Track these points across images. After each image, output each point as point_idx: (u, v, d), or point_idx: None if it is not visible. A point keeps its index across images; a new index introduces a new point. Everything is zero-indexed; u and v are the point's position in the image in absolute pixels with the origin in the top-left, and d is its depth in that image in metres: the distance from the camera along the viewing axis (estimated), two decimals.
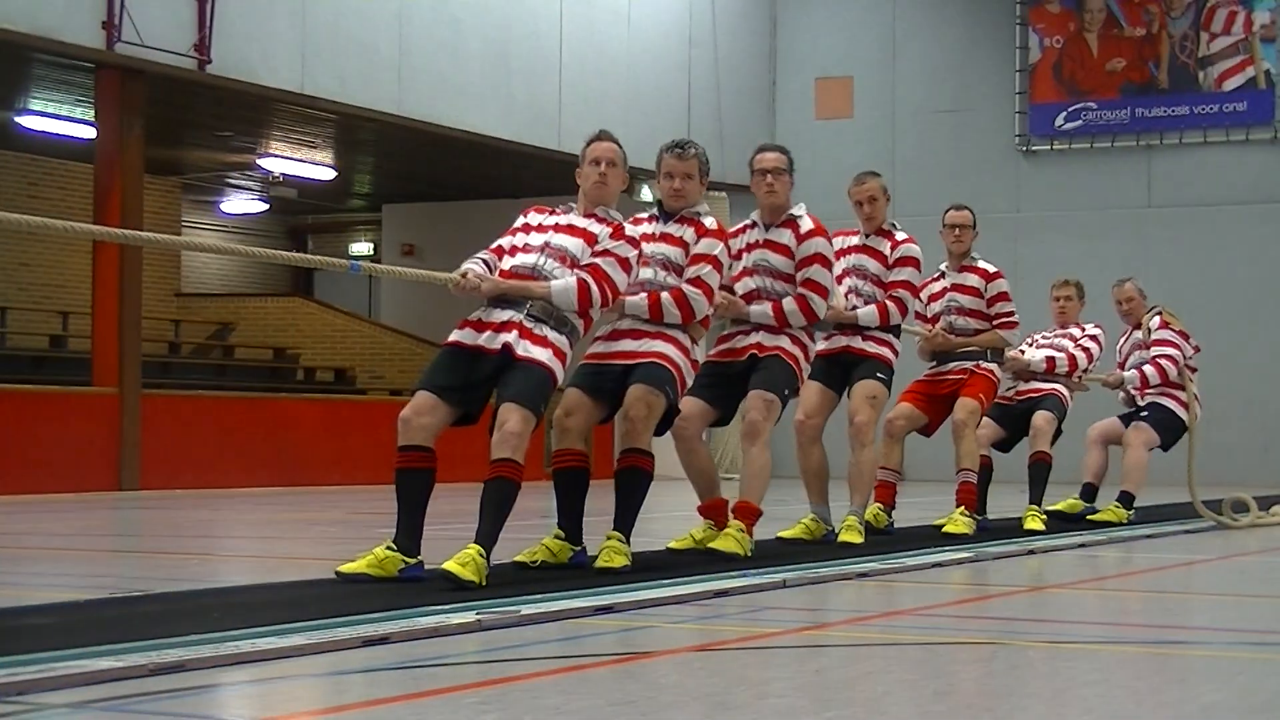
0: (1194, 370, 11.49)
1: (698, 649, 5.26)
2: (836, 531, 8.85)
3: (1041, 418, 10.66)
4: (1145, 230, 21.92)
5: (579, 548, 7.14)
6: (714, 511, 8.07)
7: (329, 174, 22.99)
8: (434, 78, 18.72)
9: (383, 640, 5.08)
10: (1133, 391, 11.39)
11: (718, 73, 22.96)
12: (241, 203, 27.12)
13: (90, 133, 17.11)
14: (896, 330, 9.26)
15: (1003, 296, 10.29)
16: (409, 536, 6.48)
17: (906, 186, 23.13)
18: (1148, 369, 11.27)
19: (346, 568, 6.40)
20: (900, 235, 9.56)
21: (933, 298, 10.45)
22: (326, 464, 18.18)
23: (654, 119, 21.93)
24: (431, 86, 18.69)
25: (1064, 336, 11.16)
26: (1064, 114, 22.45)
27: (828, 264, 8.50)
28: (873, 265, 9.43)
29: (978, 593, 7.40)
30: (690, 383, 7.54)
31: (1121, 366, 11.62)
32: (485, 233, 28.35)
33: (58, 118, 18.92)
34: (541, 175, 22.26)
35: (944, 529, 9.62)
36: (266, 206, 27.23)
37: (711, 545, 7.67)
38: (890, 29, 23.31)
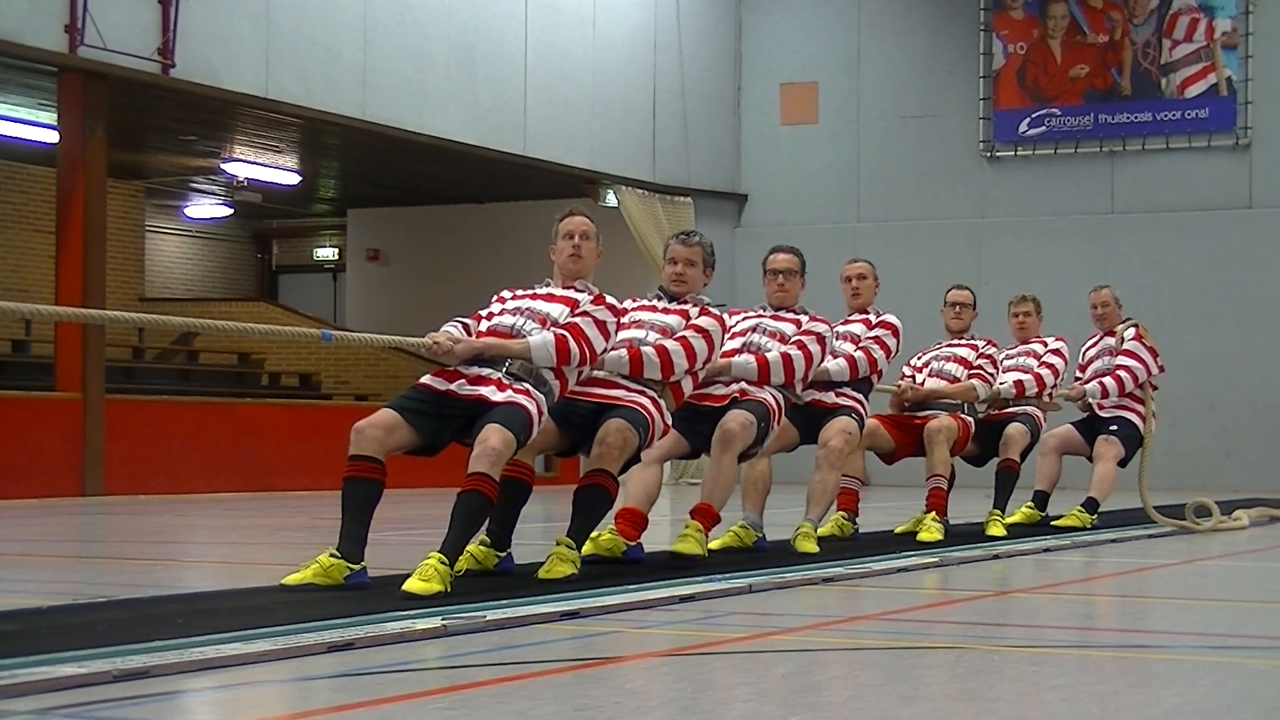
0: (1155, 389, 11.58)
1: (663, 654, 5.27)
2: (765, 537, 8.87)
3: (1015, 428, 10.73)
4: (1108, 236, 22.02)
5: (505, 553, 7.11)
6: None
7: (293, 178, 22.92)
8: (398, 82, 18.69)
9: (348, 646, 5.07)
10: (1093, 403, 11.44)
11: (682, 78, 22.98)
12: (206, 207, 27.03)
13: (53, 136, 17.02)
14: (866, 390, 9.29)
15: (990, 359, 10.58)
16: (352, 542, 6.40)
17: (871, 192, 23.22)
18: (1107, 380, 11.34)
19: (292, 579, 6.31)
20: (884, 313, 9.68)
21: (923, 352, 10.77)
22: (291, 469, 18.12)
23: (619, 124, 21.96)
24: (396, 91, 18.66)
25: (1027, 354, 11.20)
26: (1028, 120, 22.53)
27: (824, 344, 8.60)
28: (856, 329, 9.56)
29: (943, 597, 7.42)
30: (656, 441, 7.51)
31: (1083, 369, 11.67)
32: (450, 237, 28.29)
33: (20, 121, 18.82)
34: (506, 179, 22.28)
35: (918, 536, 9.64)
36: (231, 211, 27.15)
37: (673, 548, 7.67)
38: (855, 35, 23.37)
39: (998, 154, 22.65)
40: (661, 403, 7.43)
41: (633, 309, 7.85)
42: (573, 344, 6.87)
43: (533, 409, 6.66)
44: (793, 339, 8.48)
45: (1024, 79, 22.56)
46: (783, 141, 23.57)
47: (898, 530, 10.32)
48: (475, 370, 6.77)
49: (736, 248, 23.49)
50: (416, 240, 25.48)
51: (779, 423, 8.31)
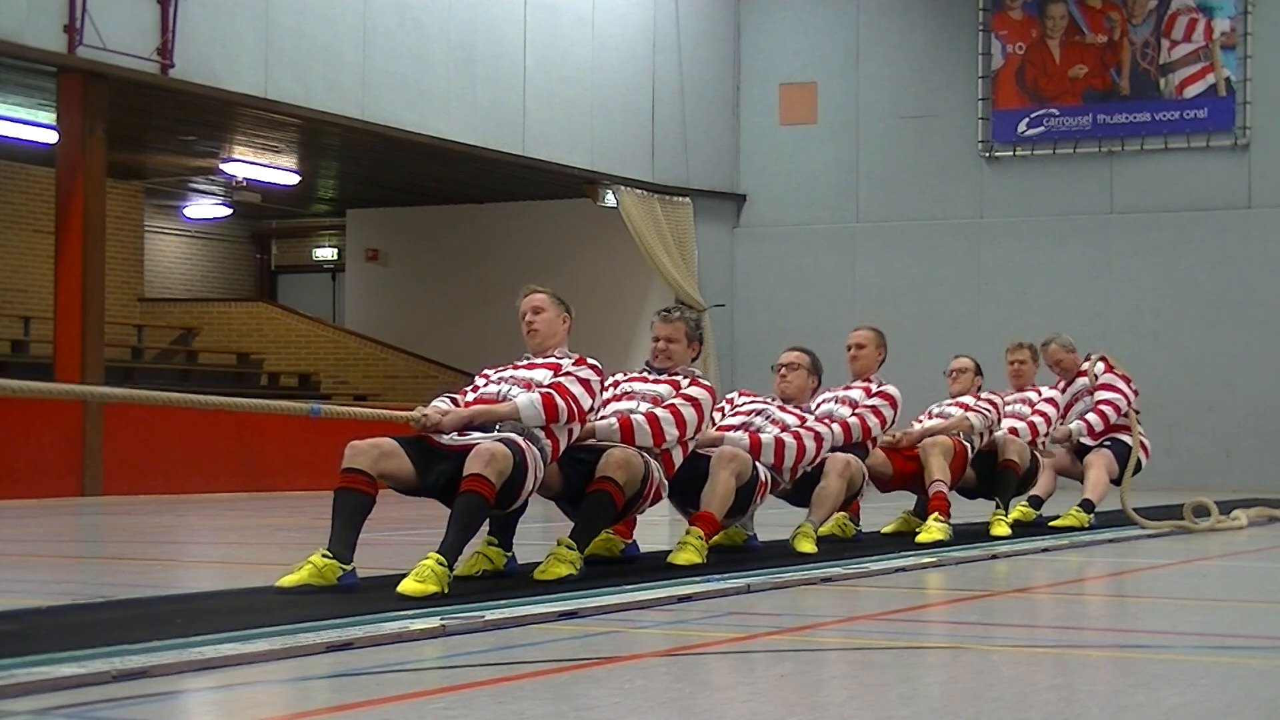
0: (1138, 412, 11.65)
1: (662, 654, 5.27)
2: (756, 535, 8.90)
3: (1012, 438, 10.80)
4: (1107, 236, 22.02)
5: (510, 554, 7.17)
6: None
7: (293, 179, 22.92)
8: (398, 82, 18.69)
9: (347, 646, 5.07)
10: (1082, 441, 11.51)
11: (682, 79, 22.98)
12: (205, 207, 27.02)
13: (52, 137, 17.02)
14: (861, 456, 9.35)
15: (992, 404, 10.74)
16: (342, 545, 6.45)
17: (870, 192, 23.22)
18: (1091, 417, 11.49)
19: (286, 580, 6.33)
20: (885, 384, 9.84)
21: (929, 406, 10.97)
22: (290, 469, 18.13)
23: (618, 124, 21.96)
24: (395, 91, 18.66)
25: (1022, 402, 11.29)
26: (1027, 120, 22.53)
27: (820, 444, 8.68)
28: (855, 394, 9.73)
29: (942, 597, 7.42)
30: (652, 497, 7.48)
31: (1063, 415, 11.71)
32: (449, 237, 28.26)
33: (19, 121, 18.81)
34: (506, 179, 22.27)
35: (917, 537, 9.66)
36: (230, 211, 27.14)
37: (670, 560, 7.66)
38: (854, 35, 23.36)
39: (997, 154, 22.65)
40: (655, 465, 7.47)
41: (624, 380, 7.98)
42: (559, 400, 6.92)
43: (525, 447, 6.70)
44: (792, 430, 8.58)
45: (1023, 79, 22.57)
46: (782, 141, 23.56)
47: (885, 530, 10.39)
48: (467, 432, 6.83)
49: (736, 248, 23.50)
50: (416, 240, 25.48)
51: (763, 498, 8.40)
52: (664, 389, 7.81)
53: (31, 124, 18.75)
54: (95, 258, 15.96)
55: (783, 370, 9.01)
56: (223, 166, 22.11)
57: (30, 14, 14.89)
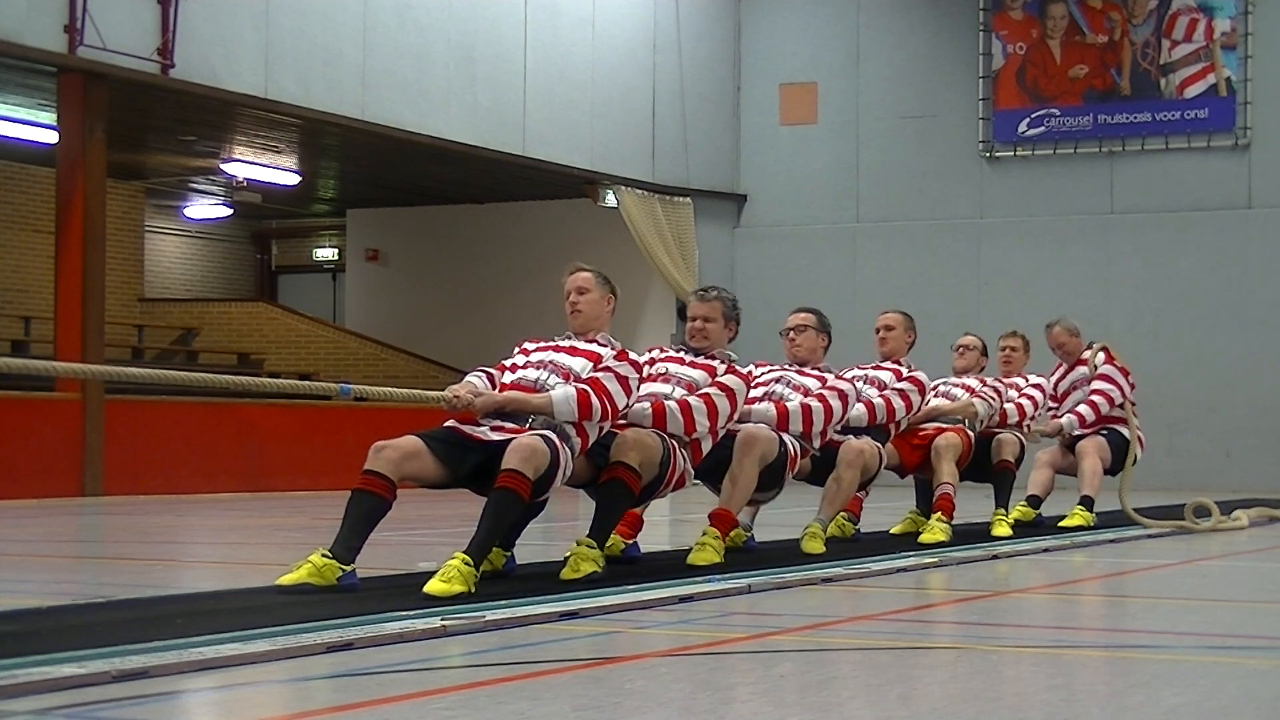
0: (1134, 404, 11.66)
1: (664, 654, 5.26)
2: (754, 537, 8.90)
3: (1005, 435, 10.88)
4: (1108, 236, 22.02)
5: (509, 554, 7.16)
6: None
7: (293, 179, 22.91)
8: (398, 82, 18.69)
9: (347, 646, 5.07)
10: (1073, 434, 11.51)
11: (682, 79, 22.98)
12: (205, 207, 27.02)
13: (52, 137, 17.02)
14: (882, 439, 9.39)
15: (996, 391, 10.85)
16: (346, 548, 6.41)
17: (871, 192, 23.21)
18: (1083, 408, 11.50)
19: (286, 579, 6.32)
20: (915, 368, 9.83)
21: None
22: (291, 469, 18.12)
23: (618, 124, 21.96)
24: (395, 91, 18.66)
25: (1009, 388, 11.31)
26: (1027, 120, 22.52)
27: (845, 402, 8.69)
28: (885, 376, 9.72)
29: (942, 597, 7.42)
30: (675, 483, 7.48)
31: (1058, 402, 11.71)
32: (450, 237, 28.19)
33: (19, 121, 18.81)
34: (506, 180, 22.27)
35: (920, 538, 9.67)
36: (230, 211, 27.14)
37: (691, 560, 7.66)
38: (854, 35, 23.36)
39: (997, 154, 22.65)
40: (681, 452, 7.45)
41: (660, 358, 7.94)
42: (595, 399, 6.87)
43: (559, 445, 6.69)
44: (815, 393, 8.56)
45: (1023, 79, 22.56)
46: (782, 142, 23.56)
47: (894, 530, 10.41)
48: (498, 423, 6.81)
49: (736, 248, 23.49)
50: (416, 240, 25.48)
51: (794, 469, 8.39)
52: (699, 375, 7.77)
53: (31, 124, 18.74)
54: (95, 258, 15.95)
55: (791, 334, 8.96)
56: (223, 166, 22.11)
57: (30, 14, 14.89)
